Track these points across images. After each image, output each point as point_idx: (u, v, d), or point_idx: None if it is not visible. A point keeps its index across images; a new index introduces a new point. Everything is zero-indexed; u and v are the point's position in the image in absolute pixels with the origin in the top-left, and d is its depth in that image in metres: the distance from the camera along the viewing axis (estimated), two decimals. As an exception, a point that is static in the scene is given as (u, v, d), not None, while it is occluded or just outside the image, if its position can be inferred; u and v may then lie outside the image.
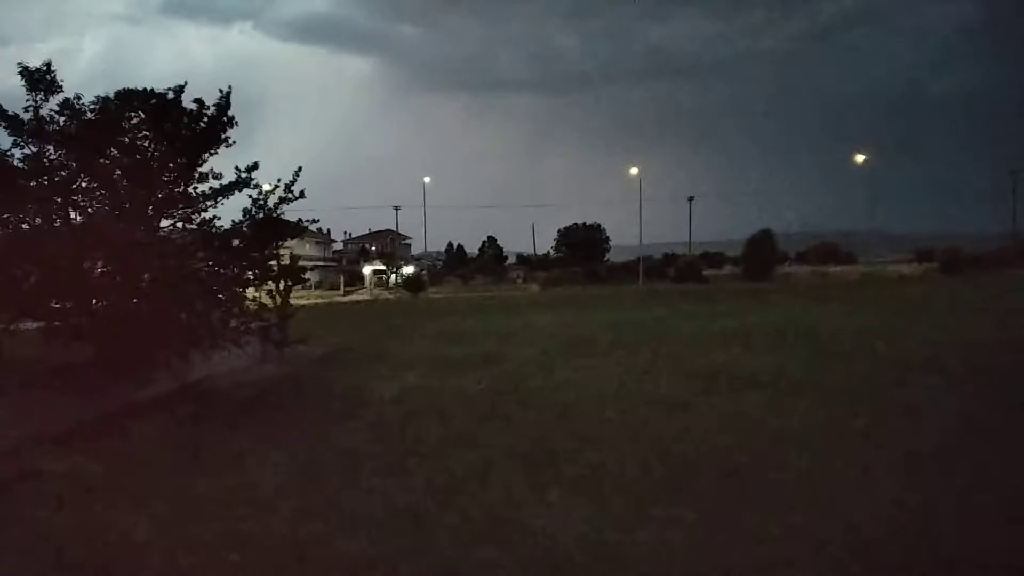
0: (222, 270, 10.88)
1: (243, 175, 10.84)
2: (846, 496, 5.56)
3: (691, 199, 77.15)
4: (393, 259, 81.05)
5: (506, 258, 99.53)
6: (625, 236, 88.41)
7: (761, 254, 67.01)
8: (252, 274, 11.37)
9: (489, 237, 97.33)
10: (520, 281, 77.88)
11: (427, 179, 79.97)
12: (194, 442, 7.96)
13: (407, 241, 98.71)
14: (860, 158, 72.36)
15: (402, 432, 8.24)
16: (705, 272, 70.75)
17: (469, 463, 6.79)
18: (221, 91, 10.61)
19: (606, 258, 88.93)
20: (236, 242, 11.09)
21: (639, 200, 73.49)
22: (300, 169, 11.31)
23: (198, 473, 6.75)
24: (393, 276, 74.11)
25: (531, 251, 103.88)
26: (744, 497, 5.60)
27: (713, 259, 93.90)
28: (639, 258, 71.02)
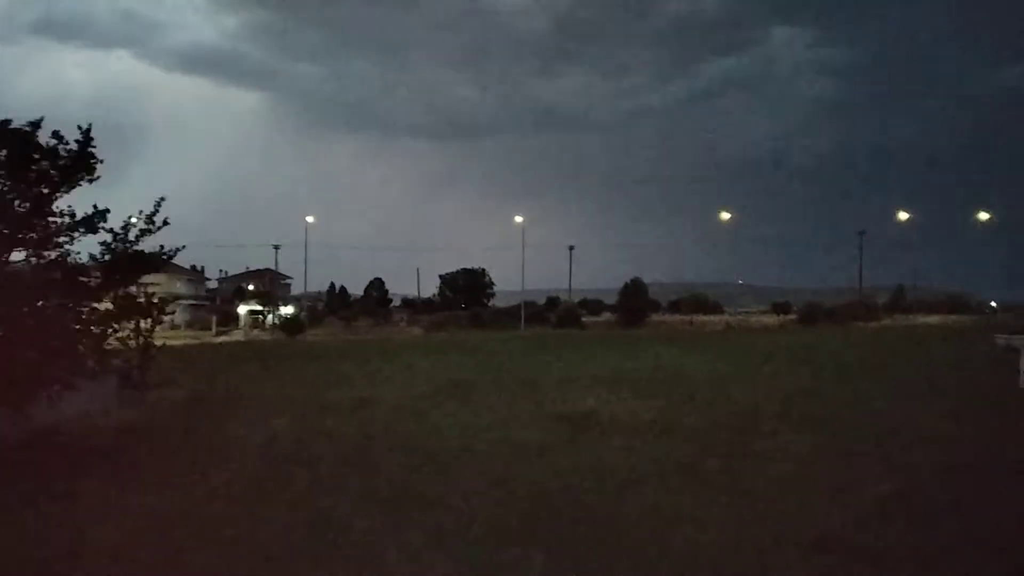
0: (77, 307, 10.34)
1: (95, 218, 10.40)
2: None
3: (571, 248, 79.50)
4: (271, 299, 78.47)
5: (391, 301, 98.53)
6: (509, 282, 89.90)
7: (635, 303, 69.99)
8: (110, 311, 10.86)
9: (375, 279, 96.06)
10: (403, 324, 77.25)
11: (310, 218, 78.38)
12: (34, 491, 7.48)
13: (287, 281, 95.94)
14: (726, 215, 77.38)
15: (267, 480, 8.07)
16: (584, 318, 72.85)
17: (332, 510, 6.77)
18: (81, 128, 10.19)
19: (490, 303, 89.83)
20: (93, 277, 10.59)
21: (522, 247, 75.25)
22: (163, 199, 10.97)
23: (38, 525, 6.36)
24: (271, 316, 71.69)
25: (416, 294, 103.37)
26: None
27: (592, 306, 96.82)
28: (521, 303, 72.25)
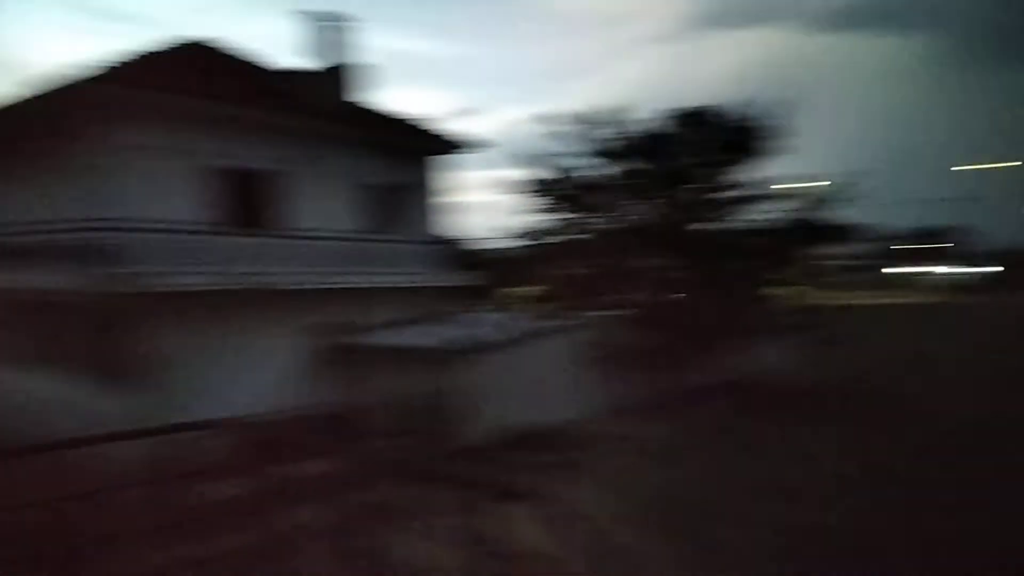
0: (756, 269, 11.50)
1: (761, 190, 11.34)
2: None
3: None
4: (952, 258, 70.88)
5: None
6: None
7: None
8: (781, 273, 11.74)
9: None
10: None
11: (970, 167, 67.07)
12: (738, 428, 8.77)
13: (970, 238, 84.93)
14: None
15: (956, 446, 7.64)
16: None
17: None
18: (746, 105, 11.27)
19: None
20: (770, 242, 11.58)
21: None
22: (856, 179, 11.38)
23: (747, 457, 7.46)
24: (962, 275, 64.72)
25: None
26: None
27: None
28: None
